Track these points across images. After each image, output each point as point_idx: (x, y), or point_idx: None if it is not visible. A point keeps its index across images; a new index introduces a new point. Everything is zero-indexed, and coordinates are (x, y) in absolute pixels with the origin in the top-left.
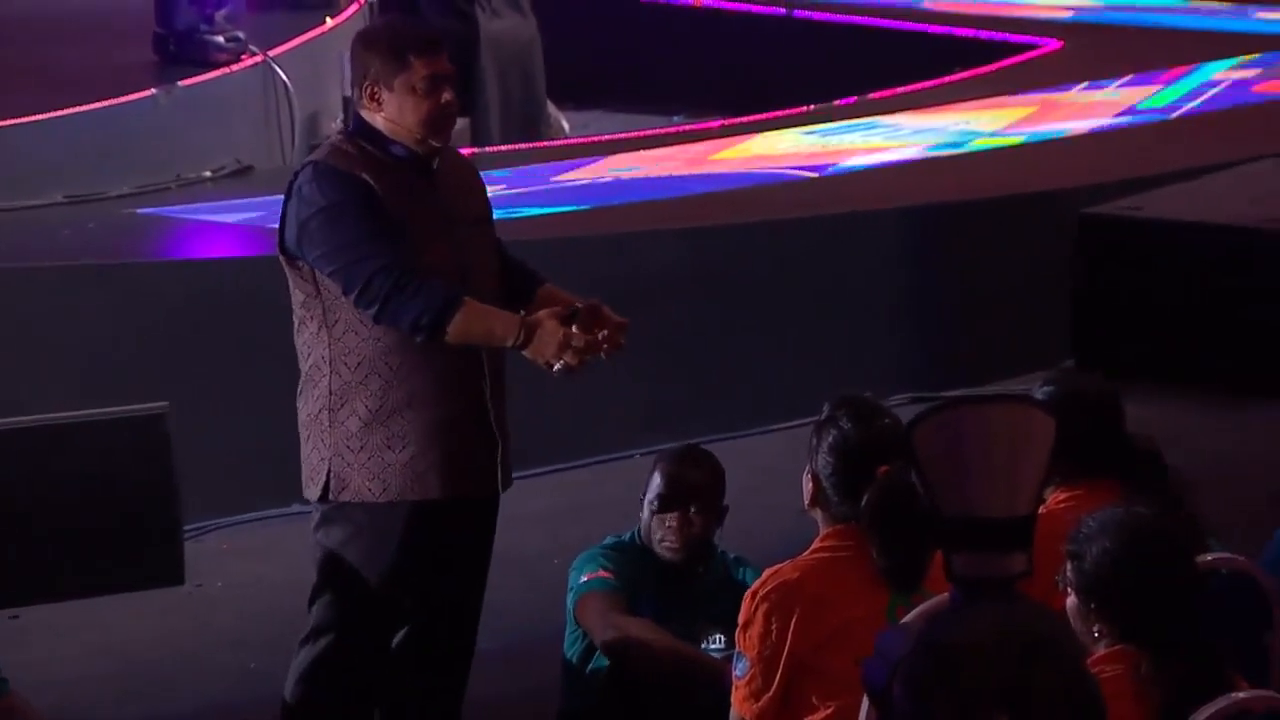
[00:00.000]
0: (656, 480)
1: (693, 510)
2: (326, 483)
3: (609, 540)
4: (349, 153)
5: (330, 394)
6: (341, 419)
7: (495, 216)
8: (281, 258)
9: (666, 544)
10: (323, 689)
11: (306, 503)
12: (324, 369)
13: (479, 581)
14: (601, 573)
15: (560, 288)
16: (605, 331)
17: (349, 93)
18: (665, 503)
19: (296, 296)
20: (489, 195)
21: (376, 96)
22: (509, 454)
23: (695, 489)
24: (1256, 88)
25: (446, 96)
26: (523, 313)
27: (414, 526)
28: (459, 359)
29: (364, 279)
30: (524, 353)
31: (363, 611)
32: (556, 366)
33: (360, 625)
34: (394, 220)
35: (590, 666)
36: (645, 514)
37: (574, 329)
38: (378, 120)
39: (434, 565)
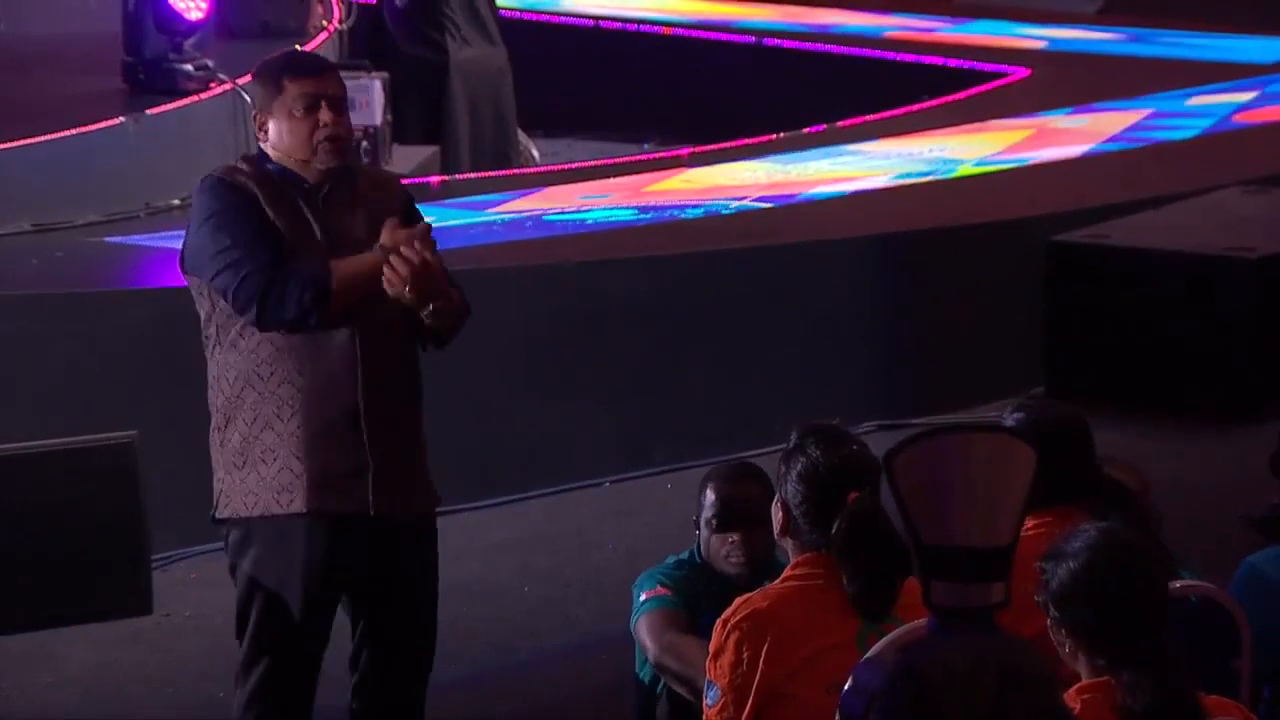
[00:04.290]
0: (712, 499)
1: (754, 527)
2: (218, 502)
3: (669, 560)
4: (242, 170)
5: (218, 411)
6: (228, 436)
7: (462, 245)
8: (185, 276)
9: (733, 560)
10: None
11: None
12: (215, 387)
13: (418, 613)
14: (660, 589)
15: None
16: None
17: None
18: (725, 522)
19: (200, 315)
20: (413, 216)
21: (264, 125)
22: (399, 474)
23: (755, 506)
24: (1237, 116)
25: (324, 117)
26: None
27: (290, 541)
28: (329, 371)
29: (239, 281)
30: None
31: (273, 635)
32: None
33: (278, 650)
34: (273, 226)
35: (660, 686)
36: (704, 534)
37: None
38: (270, 149)
39: (338, 586)
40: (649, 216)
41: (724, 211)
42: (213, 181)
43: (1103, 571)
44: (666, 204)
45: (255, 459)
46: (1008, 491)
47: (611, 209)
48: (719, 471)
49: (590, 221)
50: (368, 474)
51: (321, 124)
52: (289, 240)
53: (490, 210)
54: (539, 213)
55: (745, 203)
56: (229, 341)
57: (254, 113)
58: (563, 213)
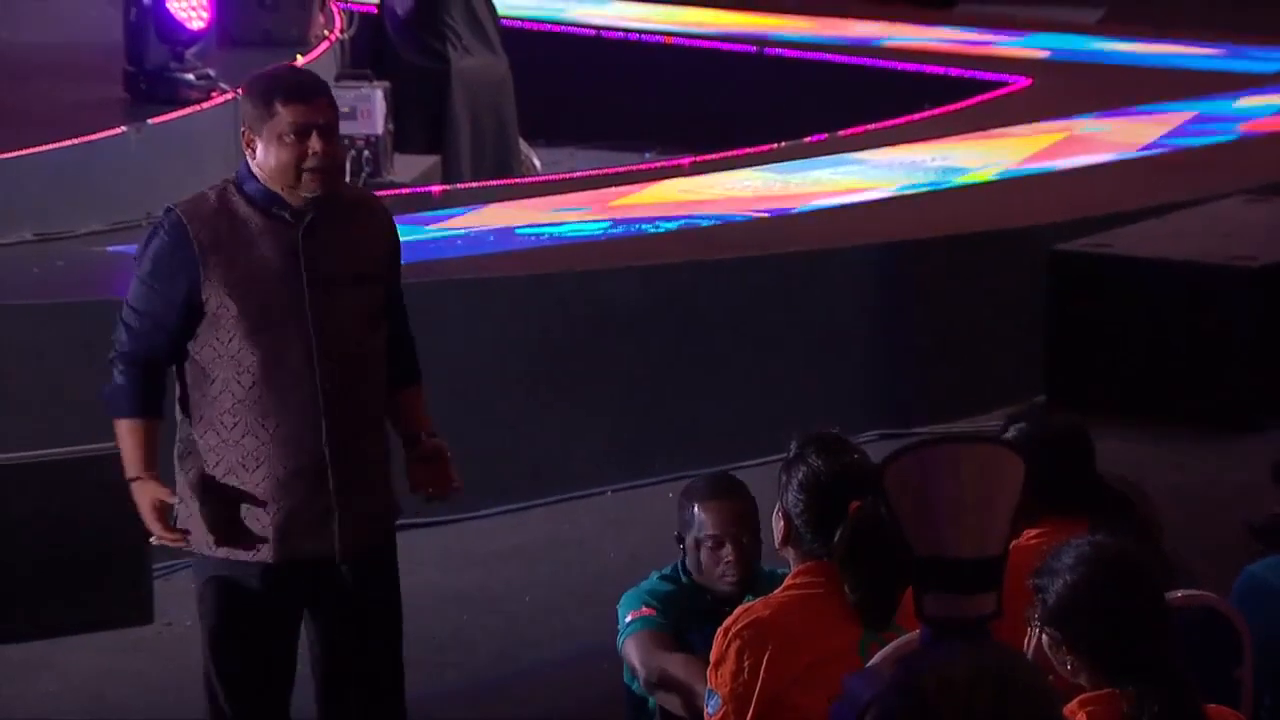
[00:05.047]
0: (702, 517)
1: (745, 539)
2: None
3: (653, 576)
4: (209, 202)
5: (179, 440)
6: (186, 467)
7: (462, 254)
8: None
9: (729, 578)
10: None
11: None
12: (179, 413)
13: (383, 650)
14: (644, 610)
15: (419, 402)
16: (431, 486)
17: None
18: (719, 539)
19: None
20: (396, 252)
21: (251, 144)
22: (363, 520)
23: (744, 518)
24: (1243, 126)
25: (315, 146)
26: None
27: (260, 585)
28: (297, 424)
29: (113, 337)
30: None
31: (225, 666)
32: (151, 539)
33: (238, 684)
34: (174, 297)
35: (652, 702)
36: (698, 552)
37: (164, 528)
38: (256, 168)
39: (296, 621)
40: (649, 226)
41: (724, 220)
42: (165, 224)
43: (1101, 584)
44: (667, 213)
45: (213, 501)
46: (997, 502)
47: (611, 218)
48: (704, 488)
49: (590, 230)
50: (333, 520)
51: (311, 152)
52: (257, 279)
53: (490, 218)
54: (538, 222)
55: (746, 212)
56: (194, 380)
57: (242, 129)
58: (562, 222)
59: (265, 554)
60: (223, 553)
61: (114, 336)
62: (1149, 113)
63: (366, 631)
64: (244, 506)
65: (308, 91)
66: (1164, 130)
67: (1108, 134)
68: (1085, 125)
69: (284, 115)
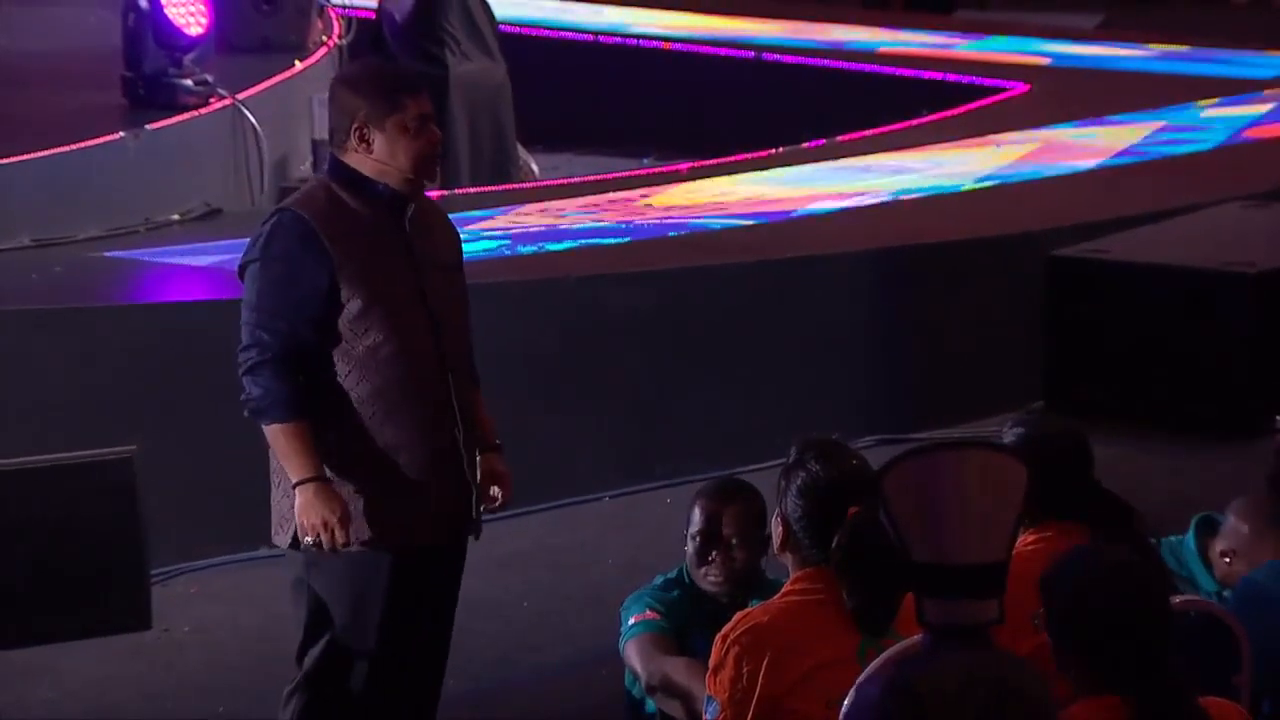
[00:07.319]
0: (696, 515)
1: (734, 543)
2: (297, 531)
3: (658, 579)
4: (320, 200)
5: None
6: None
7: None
8: None
9: (711, 579)
10: None
11: (274, 547)
12: None
13: (448, 626)
14: (648, 613)
15: (485, 409)
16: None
17: (319, 136)
18: (706, 538)
19: None
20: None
21: (366, 138)
22: (480, 501)
23: (735, 522)
24: (1249, 131)
25: (436, 135)
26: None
27: (392, 573)
28: (432, 407)
29: (243, 344)
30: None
31: (352, 659)
32: (306, 540)
33: (350, 672)
34: (315, 291)
35: (650, 706)
36: (689, 549)
37: (343, 533)
38: (366, 163)
39: (409, 610)
40: (648, 231)
41: (724, 226)
42: (285, 222)
43: (1105, 592)
44: (666, 218)
45: (350, 494)
46: (1000, 508)
47: (610, 224)
48: (707, 488)
49: (590, 236)
50: (472, 500)
51: (434, 140)
52: (376, 272)
53: (489, 224)
54: (538, 227)
55: (745, 217)
56: (321, 378)
57: (354, 124)
58: (562, 227)
59: (408, 538)
60: (360, 544)
61: (248, 344)
62: (1128, 121)
63: (443, 614)
64: (388, 494)
65: (420, 84)
66: (1141, 136)
67: (1089, 141)
68: (1070, 134)
69: (412, 107)
